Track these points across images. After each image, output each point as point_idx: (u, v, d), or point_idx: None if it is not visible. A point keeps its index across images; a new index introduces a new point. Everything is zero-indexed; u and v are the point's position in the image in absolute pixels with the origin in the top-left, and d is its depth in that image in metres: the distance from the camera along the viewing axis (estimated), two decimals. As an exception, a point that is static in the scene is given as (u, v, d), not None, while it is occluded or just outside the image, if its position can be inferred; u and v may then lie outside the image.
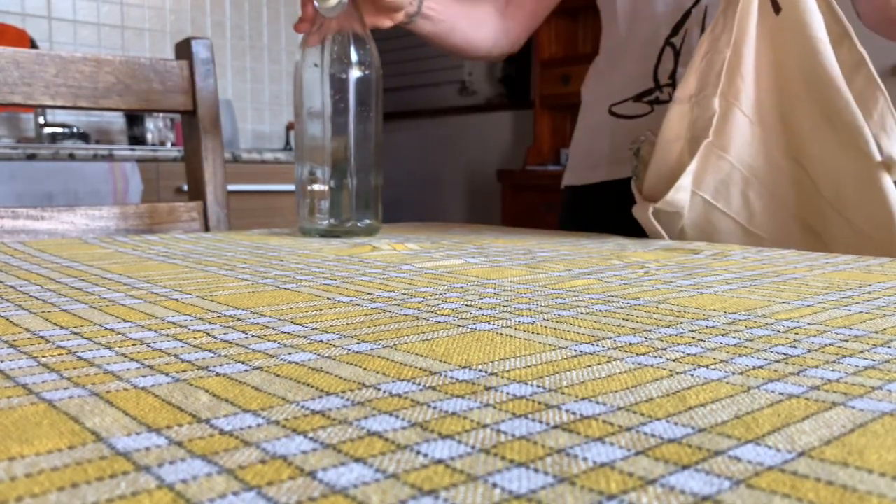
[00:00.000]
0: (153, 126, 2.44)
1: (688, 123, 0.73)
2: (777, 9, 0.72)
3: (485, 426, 0.18)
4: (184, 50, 0.91)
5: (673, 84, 0.87)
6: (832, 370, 0.24)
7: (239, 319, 0.31)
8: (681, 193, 0.73)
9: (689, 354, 0.26)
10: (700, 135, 0.73)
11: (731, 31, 0.72)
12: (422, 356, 0.25)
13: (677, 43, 0.87)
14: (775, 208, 0.75)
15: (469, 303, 0.36)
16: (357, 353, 0.26)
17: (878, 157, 0.68)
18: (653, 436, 0.18)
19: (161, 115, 2.42)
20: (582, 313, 0.33)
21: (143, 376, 0.23)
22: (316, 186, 0.70)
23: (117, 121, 2.53)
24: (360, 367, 0.24)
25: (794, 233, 0.75)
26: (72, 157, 1.94)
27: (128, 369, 0.24)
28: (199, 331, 0.29)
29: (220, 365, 0.24)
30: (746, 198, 0.75)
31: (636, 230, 0.84)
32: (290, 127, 2.76)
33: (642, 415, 0.19)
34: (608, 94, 0.93)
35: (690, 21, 0.86)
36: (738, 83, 0.73)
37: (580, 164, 0.98)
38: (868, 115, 0.69)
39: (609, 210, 0.92)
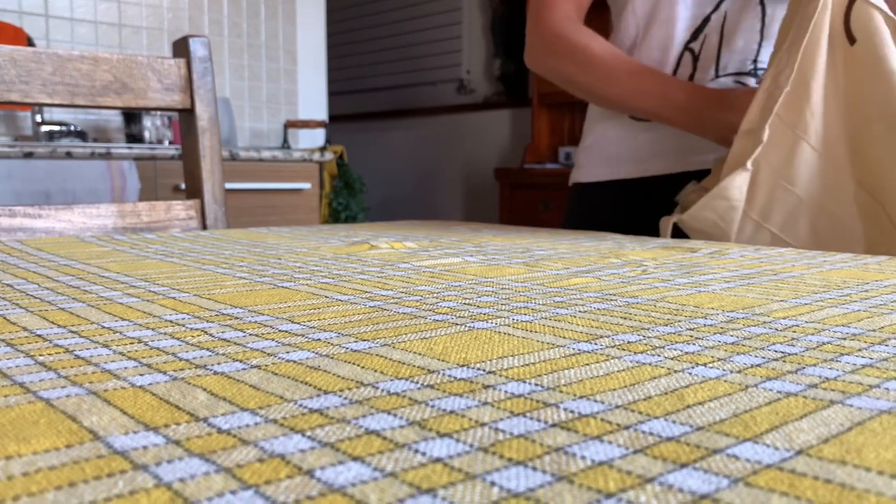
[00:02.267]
0: (151, 124, 2.44)
1: (749, 154, 0.73)
2: (852, 40, 0.72)
3: (483, 424, 0.18)
4: (181, 48, 0.91)
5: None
6: (830, 368, 0.24)
7: (237, 318, 0.31)
8: (706, 212, 0.74)
9: (687, 353, 0.26)
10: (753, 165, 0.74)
11: (794, 67, 0.72)
12: (420, 354, 0.25)
13: (696, 48, 0.87)
14: (845, 240, 0.75)
15: (467, 301, 0.36)
16: (355, 351, 0.26)
17: None
18: (651, 434, 0.18)
19: (158, 113, 2.42)
20: (580, 311, 0.33)
21: (141, 375, 0.23)
22: None
23: (115, 119, 2.52)
24: (358, 365, 0.24)
25: None
26: (69, 155, 1.94)
27: (125, 368, 0.23)
28: (197, 329, 0.29)
29: (218, 363, 0.24)
30: (815, 230, 0.75)
31: (647, 229, 0.84)
32: (287, 125, 2.76)
33: (640, 413, 0.19)
34: None
35: (710, 27, 0.86)
36: (806, 116, 0.73)
37: (593, 162, 0.98)
38: None
39: (621, 207, 0.92)
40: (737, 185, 0.74)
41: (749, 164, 0.73)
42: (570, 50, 0.86)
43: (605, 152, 0.95)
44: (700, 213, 0.75)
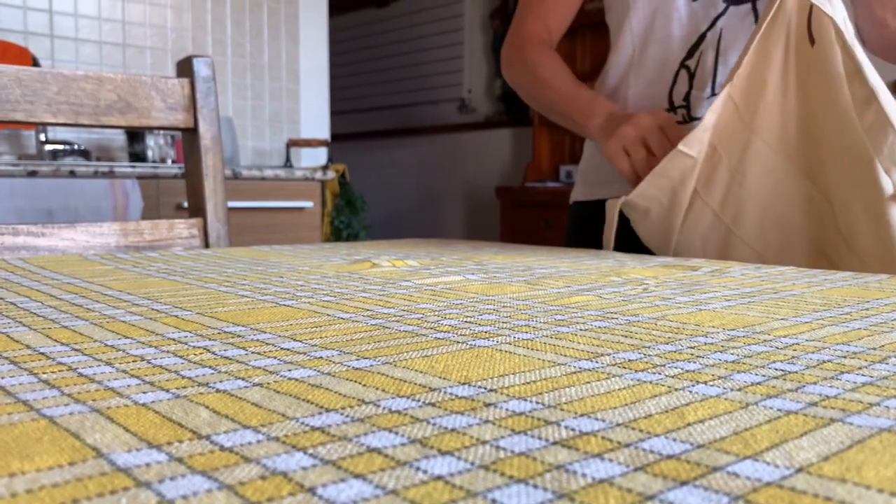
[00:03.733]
0: (154, 143, 2.45)
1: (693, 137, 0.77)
2: (812, 41, 0.73)
3: (484, 442, 0.18)
4: (185, 68, 0.92)
5: (687, 106, 0.88)
6: (830, 387, 0.24)
7: (239, 336, 0.32)
8: (651, 189, 0.78)
9: (687, 371, 0.26)
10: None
11: (740, 63, 0.75)
12: (421, 372, 0.25)
13: (692, 66, 0.88)
14: (792, 239, 0.77)
15: (468, 319, 0.36)
16: (357, 369, 0.26)
17: (889, 191, 0.69)
18: (651, 452, 0.18)
19: (161, 132, 2.44)
20: (581, 330, 0.33)
21: (144, 392, 0.23)
22: None
23: (118, 138, 2.53)
24: (360, 383, 0.24)
25: (809, 264, 0.76)
26: (72, 174, 1.95)
27: (128, 385, 0.24)
28: (199, 347, 0.29)
29: (221, 381, 0.24)
30: (763, 227, 0.77)
31: (644, 247, 0.85)
32: (289, 144, 2.77)
33: (641, 431, 0.19)
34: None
35: (705, 44, 0.87)
36: (760, 112, 0.75)
37: (591, 180, 0.98)
38: (878, 150, 0.70)
39: (620, 226, 0.93)
40: (677, 165, 0.76)
41: (683, 147, 0.76)
42: (523, 62, 0.96)
43: (604, 171, 0.96)
44: (646, 191, 0.78)
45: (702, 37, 0.87)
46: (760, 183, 0.77)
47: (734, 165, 0.77)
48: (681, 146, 0.76)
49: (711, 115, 0.76)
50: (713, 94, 0.87)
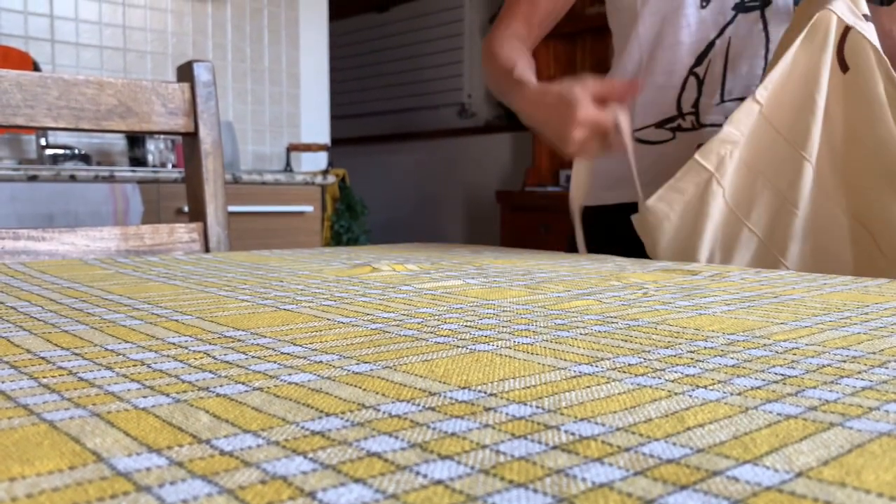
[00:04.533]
0: (154, 148, 2.45)
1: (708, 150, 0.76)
2: (845, 68, 0.73)
3: (484, 447, 0.18)
4: (186, 72, 0.92)
5: (696, 112, 0.88)
6: (830, 391, 0.24)
7: (239, 340, 0.32)
8: (661, 203, 0.76)
9: (687, 375, 0.26)
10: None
11: (771, 80, 0.74)
12: (421, 377, 0.25)
13: (700, 73, 0.88)
14: (832, 267, 0.76)
15: (468, 323, 0.36)
16: (357, 373, 0.26)
17: None
18: (651, 456, 0.18)
19: (162, 136, 2.44)
20: (581, 334, 0.33)
21: (144, 397, 0.23)
22: None
23: (118, 142, 2.54)
24: (360, 387, 0.24)
25: None
26: (73, 178, 1.95)
27: (128, 390, 0.24)
28: (200, 352, 0.29)
29: (221, 386, 0.24)
30: (808, 257, 0.76)
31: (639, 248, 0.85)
32: (290, 148, 2.77)
33: (641, 435, 0.19)
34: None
35: (714, 51, 0.87)
36: (812, 136, 0.73)
37: (597, 185, 0.99)
38: None
39: (625, 231, 0.93)
40: (692, 178, 0.75)
41: (700, 158, 0.74)
42: (490, 56, 0.94)
43: (608, 176, 0.96)
44: (655, 206, 0.76)
45: (711, 44, 0.88)
46: (813, 211, 0.75)
47: (784, 191, 0.75)
48: (697, 156, 0.74)
49: (732, 128, 0.74)
50: (722, 100, 0.88)
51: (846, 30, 0.72)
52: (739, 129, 0.74)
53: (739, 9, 0.87)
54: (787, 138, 0.74)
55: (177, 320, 0.36)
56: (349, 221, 3.32)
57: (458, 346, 0.31)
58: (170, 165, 2.47)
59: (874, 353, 0.30)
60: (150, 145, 2.45)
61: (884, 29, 0.83)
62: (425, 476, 0.17)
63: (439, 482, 0.16)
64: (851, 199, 0.75)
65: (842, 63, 0.73)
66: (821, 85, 0.73)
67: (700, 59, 0.88)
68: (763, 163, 0.75)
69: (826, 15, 0.72)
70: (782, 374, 0.26)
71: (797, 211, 0.75)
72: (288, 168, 2.78)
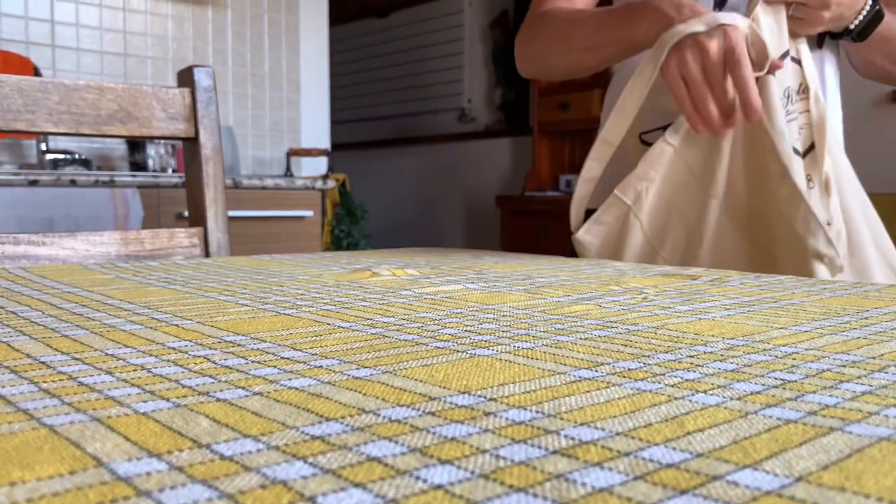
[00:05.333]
0: (154, 152, 2.46)
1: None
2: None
3: (484, 451, 0.19)
4: (186, 78, 0.92)
5: None
6: (830, 395, 0.24)
7: (239, 345, 0.32)
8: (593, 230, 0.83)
9: (687, 380, 0.26)
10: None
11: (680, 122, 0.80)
12: (421, 382, 0.25)
13: None
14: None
15: (468, 328, 0.36)
16: (357, 378, 0.26)
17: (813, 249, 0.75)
18: (651, 461, 0.18)
19: (162, 141, 2.44)
20: (581, 339, 0.33)
21: (144, 402, 0.23)
22: None
23: (119, 147, 2.54)
24: (360, 392, 0.24)
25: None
26: (73, 183, 1.95)
27: (128, 395, 0.24)
28: (200, 356, 0.29)
29: (221, 390, 0.24)
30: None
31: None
32: (290, 153, 2.78)
33: (640, 440, 0.19)
34: (634, 122, 0.94)
35: None
36: (718, 176, 0.79)
37: (603, 188, 0.99)
38: (793, 219, 0.75)
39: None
40: (612, 211, 0.81)
41: (619, 192, 0.80)
42: (534, 29, 0.90)
43: (613, 178, 0.96)
44: (582, 237, 0.82)
45: None
46: (714, 247, 0.80)
47: (692, 227, 0.80)
48: (617, 191, 0.80)
49: (647, 166, 0.79)
50: None
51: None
52: (654, 168, 0.79)
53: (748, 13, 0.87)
54: (696, 176, 0.79)
55: (177, 325, 0.36)
56: (349, 226, 3.32)
57: (458, 351, 0.31)
58: (170, 170, 2.47)
59: (874, 357, 0.30)
60: (151, 150, 2.45)
61: (863, 57, 0.88)
62: (425, 481, 0.17)
63: (439, 487, 0.16)
64: (752, 224, 0.79)
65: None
66: (732, 134, 0.77)
67: None
68: (678, 199, 0.80)
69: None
70: (782, 379, 0.26)
71: (703, 242, 0.80)
72: (288, 173, 2.78)
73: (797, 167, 0.75)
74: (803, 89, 0.80)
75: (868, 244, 0.82)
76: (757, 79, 0.73)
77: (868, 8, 0.79)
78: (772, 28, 0.76)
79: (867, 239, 0.82)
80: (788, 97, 0.78)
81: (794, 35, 0.79)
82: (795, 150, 0.76)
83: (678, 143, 0.78)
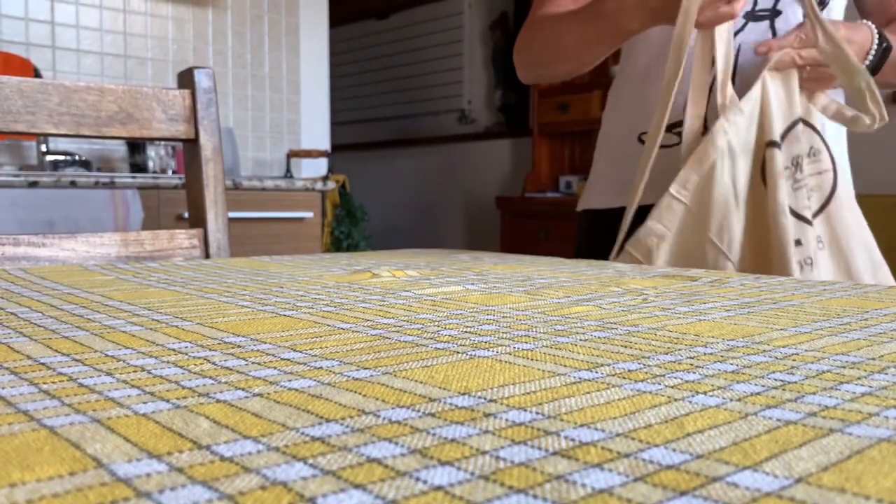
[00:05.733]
0: (154, 154, 2.46)
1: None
2: (765, 181, 0.82)
3: (484, 453, 0.19)
4: (186, 79, 0.92)
5: (703, 117, 0.89)
6: (829, 397, 0.24)
7: (239, 346, 0.32)
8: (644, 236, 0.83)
9: (687, 381, 0.26)
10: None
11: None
12: (421, 383, 0.25)
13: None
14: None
15: (468, 329, 0.36)
16: (357, 379, 0.26)
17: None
18: (651, 462, 0.18)
19: (162, 143, 2.44)
20: (581, 340, 0.33)
21: (144, 403, 0.23)
22: None
23: (119, 149, 2.54)
24: (360, 393, 0.24)
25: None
26: (73, 184, 1.95)
27: (128, 396, 0.24)
28: (200, 357, 0.29)
29: (221, 391, 0.24)
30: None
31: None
32: (290, 154, 2.78)
33: (641, 441, 0.19)
34: (635, 123, 0.94)
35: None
36: (735, 237, 0.81)
37: (604, 189, 0.99)
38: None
39: (631, 234, 0.94)
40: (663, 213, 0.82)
41: (630, 249, 0.81)
42: (533, 29, 0.92)
43: (617, 178, 0.96)
44: (642, 238, 0.82)
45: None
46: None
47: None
48: (628, 247, 0.82)
49: (655, 222, 0.81)
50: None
51: (767, 145, 0.78)
52: (662, 223, 0.81)
53: (750, 17, 0.87)
54: (713, 236, 0.80)
55: (177, 326, 0.36)
56: (349, 227, 3.32)
57: (458, 352, 0.31)
58: (170, 171, 2.47)
59: (874, 358, 0.30)
60: (151, 151, 2.45)
61: (887, 82, 0.88)
62: (425, 482, 0.17)
63: (439, 488, 0.16)
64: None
65: (763, 177, 0.80)
66: (741, 198, 0.79)
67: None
68: (694, 256, 0.81)
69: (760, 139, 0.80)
70: (782, 380, 0.26)
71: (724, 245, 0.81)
72: (288, 174, 2.78)
73: (801, 234, 0.77)
74: (814, 152, 0.81)
75: (854, 235, 0.83)
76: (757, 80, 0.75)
77: (876, 46, 0.81)
78: (780, 96, 0.79)
79: (853, 230, 0.83)
80: (797, 165, 0.80)
81: (809, 93, 0.82)
82: (803, 217, 0.78)
83: (690, 201, 0.80)
